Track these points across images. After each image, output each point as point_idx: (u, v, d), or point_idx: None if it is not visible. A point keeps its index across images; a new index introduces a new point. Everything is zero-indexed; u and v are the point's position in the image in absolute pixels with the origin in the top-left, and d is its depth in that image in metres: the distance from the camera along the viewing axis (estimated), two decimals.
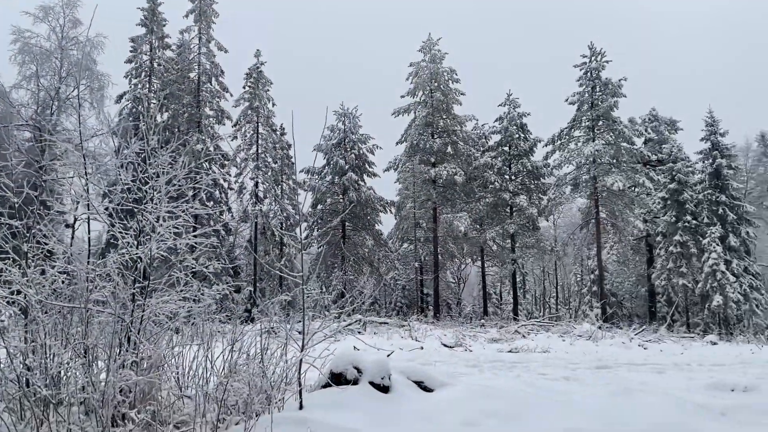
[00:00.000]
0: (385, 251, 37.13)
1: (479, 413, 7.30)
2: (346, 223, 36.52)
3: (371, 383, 7.70)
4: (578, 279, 43.39)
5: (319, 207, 36.51)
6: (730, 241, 30.55)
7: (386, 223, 40.32)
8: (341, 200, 35.80)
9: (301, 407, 7.05)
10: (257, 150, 32.08)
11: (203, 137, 29.84)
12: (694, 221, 31.07)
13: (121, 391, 5.84)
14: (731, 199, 31.67)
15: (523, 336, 21.19)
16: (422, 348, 17.05)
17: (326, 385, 7.77)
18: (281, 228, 31.41)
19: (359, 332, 21.38)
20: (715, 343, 21.10)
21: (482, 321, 28.67)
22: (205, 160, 30.31)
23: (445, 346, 17.69)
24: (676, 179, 31.41)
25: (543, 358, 13.88)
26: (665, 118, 35.86)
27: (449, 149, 33.84)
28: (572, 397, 8.30)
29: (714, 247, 29.29)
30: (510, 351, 16.74)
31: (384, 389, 7.73)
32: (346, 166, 35.69)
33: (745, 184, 40.37)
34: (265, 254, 30.90)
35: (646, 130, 35.59)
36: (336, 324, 21.41)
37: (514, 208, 33.83)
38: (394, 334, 20.96)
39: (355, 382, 7.70)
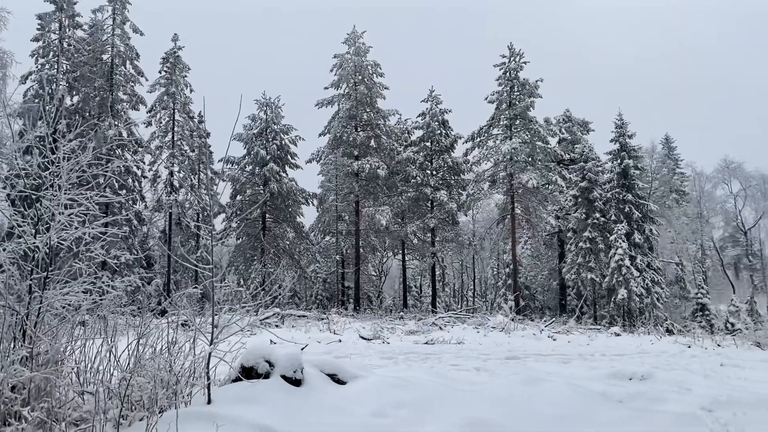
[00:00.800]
0: (307, 244, 36.87)
1: (389, 404, 7.39)
2: (267, 215, 35.97)
3: (283, 377, 7.62)
4: (495, 273, 44.75)
5: (239, 198, 35.76)
6: (635, 238, 32.28)
7: (308, 215, 40.07)
8: (262, 191, 35.22)
9: (209, 402, 6.88)
10: (173, 137, 31.01)
11: (115, 122, 28.53)
12: (602, 218, 32.63)
13: (13, 389, 5.52)
14: (637, 198, 33.48)
15: (440, 328, 21.61)
16: (340, 341, 17.06)
17: (237, 380, 7.62)
18: (197, 219, 30.53)
19: (276, 326, 21.16)
20: (618, 335, 22.27)
21: (401, 313, 29.03)
22: (117, 146, 29.02)
23: (363, 338, 17.78)
24: (587, 178, 32.87)
25: (456, 350, 14.21)
26: (578, 119, 37.46)
27: (372, 143, 33.99)
28: (481, 387, 8.53)
29: (620, 244, 30.86)
30: (426, 343, 17.02)
31: (296, 382, 7.67)
32: (268, 157, 35.12)
33: (650, 185, 42.87)
34: (181, 245, 29.96)
35: (560, 131, 37.05)
36: (252, 317, 21.09)
37: (434, 203, 34.40)
38: (313, 328, 20.87)
39: (267, 375, 7.59)
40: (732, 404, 7.77)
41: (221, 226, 36.28)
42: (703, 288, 35.90)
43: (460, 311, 29.21)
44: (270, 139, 35.91)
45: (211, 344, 6.83)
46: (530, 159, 31.35)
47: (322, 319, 23.65)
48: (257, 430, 6.25)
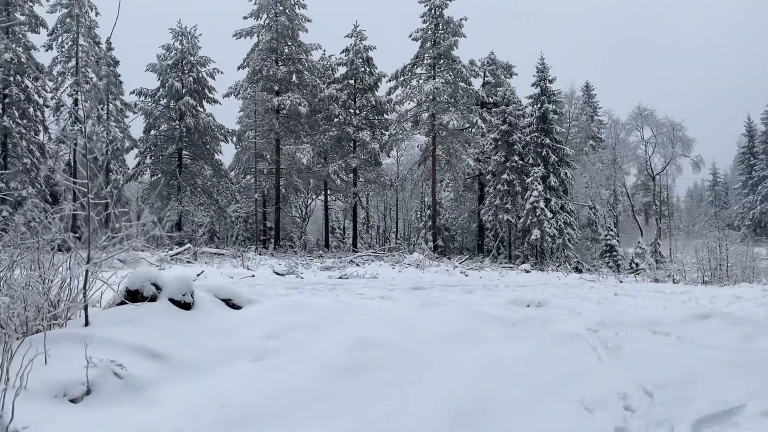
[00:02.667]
0: (226, 182, 35.86)
1: (283, 326, 7.25)
2: (183, 152, 34.60)
3: (171, 300, 7.31)
4: (418, 215, 45.22)
5: (153, 133, 34.13)
6: (550, 181, 33.22)
7: (227, 153, 38.91)
8: (177, 126, 33.70)
9: (86, 324, 6.51)
10: (77, 63, 28.91)
11: (12, 45, 26.22)
12: (521, 161, 33.32)
13: None
14: (554, 142, 34.29)
15: (357, 265, 21.67)
16: (253, 276, 16.76)
17: (121, 304, 7.26)
18: (107, 153, 28.93)
19: (188, 262, 20.59)
20: (528, 271, 23.05)
21: (320, 253, 28.94)
22: (15, 72, 26.80)
23: (276, 273, 17.54)
24: (508, 121, 33.31)
25: (366, 282, 14.24)
26: (502, 63, 37.61)
27: (294, 78, 32.92)
28: (379, 312, 8.54)
29: (536, 186, 31.70)
30: (340, 278, 16.99)
31: (185, 306, 7.38)
32: (183, 90, 33.51)
33: (568, 129, 44.00)
34: (89, 180, 28.36)
35: (484, 73, 37.14)
36: (163, 253, 20.42)
37: (357, 143, 34.03)
38: (227, 264, 20.44)
39: (153, 299, 7.26)
40: (615, 325, 8.11)
41: (134, 161, 34.69)
42: (612, 230, 37.67)
43: (379, 250, 29.41)
44: (186, 71, 34.19)
45: (87, 262, 6.41)
46: (453, 100, 31.33)
47: (238, 257, 23.20)
48: (138, 352, 5.97)
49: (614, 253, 35.35)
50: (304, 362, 6.07)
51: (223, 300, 8.01)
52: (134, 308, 6.96)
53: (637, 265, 34.20)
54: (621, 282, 20.44)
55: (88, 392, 5.13)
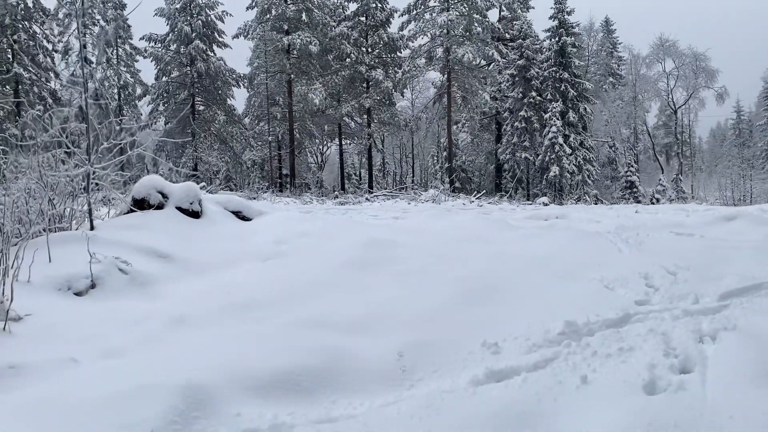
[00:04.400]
0: (239, 128, 35.51)
1: (293, 233, 7.09)
2: (196, 98, 34.19)
3: (178, 208, 7.17)
4: (434, 160, 44.72)
5: (164, 79, 33.66)
6: (569, 117, 32.39)
7: (240, 99, 38.48)
8: (189, 72, 33.21)
9: (92, 228, 6.40)
10: (83, 4, 28.35)
11: None
12: (538, 97, 32.47)
13: None
14: (573, 76, 33.29)
15: (372, 202, 21.49)
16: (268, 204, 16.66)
17: (129, 213, 7.14)
18: (119, 98, 28.65)
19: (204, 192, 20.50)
20: (546, 204, 22.71)
21: (336, 194, 28.77)
22: (22, 18, 26.45)
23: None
24: (525, 56, 32.31)
25: (380, 207, 14.06)
26: None
27: (304, 16, 32.03)
28: (390, 225, 8.35)
29: (554, 122, 30.95)
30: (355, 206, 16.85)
31: (194, 214, 7.25)
32: (193, 34, 32.85)
33: (587, 62, 42.77)
34: (100, 125, 28.24)
35: (500, 7, 35.90)
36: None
37: (370, 82, 33.30)
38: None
39: (161, 207, 7.12)
40: (636, 228, 7.87)
41: (147, 108, 34.43)
42: (633, 166, 36.98)
43: (394, 190, 29.17)
44: (195, 15, 33.44)
45: (89, 163, 6.25)
46: (467, 33, 30.36)
47: (254, 197, 23.09)
48: (144, 252, 5.85)
49: (635, 190, 34.77)
50: (315, 258, 5.93)
51: (233, 212, 7.87)
52: (141, 215, 6.84)
53: (658, 200, 33.65)
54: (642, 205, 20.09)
55: (92, 286, 5.05)
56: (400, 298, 4.53)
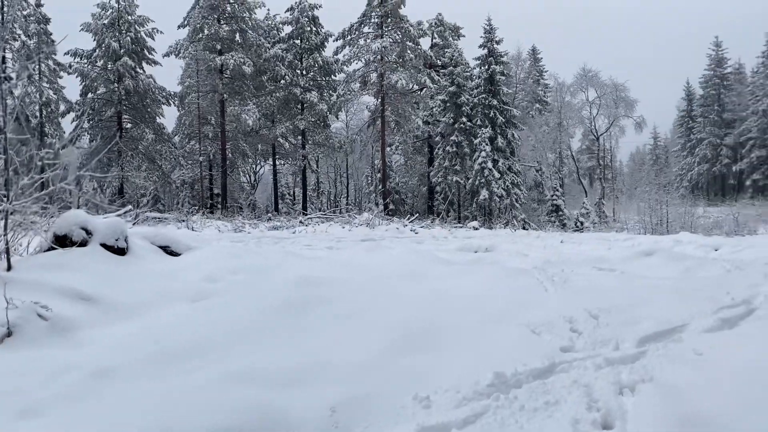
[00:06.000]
0: (169, 147, 34.66)
1: (225, 270, 6.97)
2: (123, 115, 33.18)
3: (103, 245, 6.91)
4: (368, 180, 45.04)
5: (90, 96, 32.55)
6: (498, 142, 33.40)
7: (170, 117, 37.57)
8: (116, 89, 32.22)
9: (9, 269, 6.07)
10: (2, 18, 27.08)
11: None
12: (469, 123, 33.35)
13: None
14: (502, 103, 34.42)
15: (306, 225, 21.36)
16: (198, 235, 16.26)
17: (49, 250, 6.82)
18: (41, 116, 27.41)
19: (131, 226, 19.82)
20: (476, 228, 23.22)
21: (270, 216, 28.43)
22: None
23: (223, 233, 17.10)
24: (456, 83, 33.19)
25: (314, 236, 14.01)
26: (450, 24, 37.30)
27: (237, 37, 31.80)
28: (325, 257, 8.34)
29: (484, 147, 31.83)
30: (291, 234, 16.69)
31: (119, 251, 7.00)
32: (121, 51, 31.98)
33: (514, 91, 44.27)
34: (21, 144, 26.92)
35: (432, 35, 36.80)
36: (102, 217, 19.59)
37: (305, 104, 33.31)
38: (169, 226, 19.79)
39: (83, 243, 6.85)
40: (561, 263, 8.15)
41: (71, 126, 33.12)
42: (558, 191, 38.43)
43: (328, 212, 29.14)
44: (123, 31, 32.58)
45: (9, 202, 5.95)
46: (401, 60, 30.93)
47: (183, 220, 22.50)
48: (66, 294, 5.59)
49: (560, 213, 36.12)
50: (246, 300, 5.83)
51: (161, 247, 7.66)
52: (63, 253, 6.55)
53: (581, 223, 35.05)
54: (566, 233, 20.85)
55: (9, 334, 4.78)
56: (335, 347, 4.52)
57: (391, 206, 34.92)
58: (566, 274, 7.12)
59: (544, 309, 5.28)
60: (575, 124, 51.73)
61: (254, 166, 44.06)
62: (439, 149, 34.45)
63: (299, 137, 34.48)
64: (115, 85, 32.18)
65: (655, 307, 5.31)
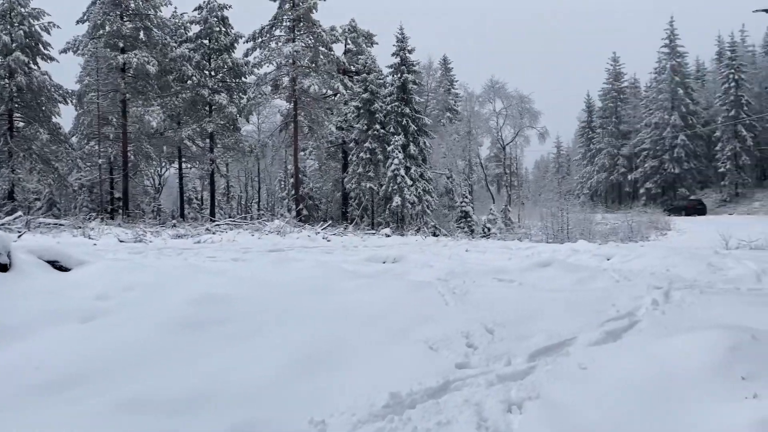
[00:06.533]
0: (66, 148, 32.73)
1: (119, 286, 6.64)
2: (15, 113, 31.03)
3: None
4: (281, 185, 44.49)
5: None
6: (410, 150, 33.93)
7: (67, 116, 35.52)
8: (7, 85, 30.08)
9: None
10: None
11: None
12: (382, 130, 33.68)
13: None
14: (414, 112, 35.02)
15: (213, 233, 20.79)
16: (95, 244, 15.46)
17: None
18: None
19: (20, 233, 18.58)
20: (389, 235, 23.48)
21: (174, 222, 27.43)
22: None
23: (122, 242, 16.33)
24: (369, 90, 33.44)
25: (220, 246, 13.66)
26: (363, 31, 37.58)
27: (141, 35, 30.51)
28: (230, 271, 8.15)
29: (397, 154, 32.23)
30: (195, 243, 16.18)
31: (1, 268, 6.54)
32: (13, 45, 29.90)
33: (426, 100, 45.15)
34: None
35: (346, 41, 36.91)
36: None
37: (213, 107, 32.45)
38: (66, 234, 18.72)
39: None
40: (464, 275, 8.37)
41: None
42: (467, 198, 39.46)
43: (237, 218, 28.50)
44: (16, 24, 30.50)
45: None
46: (313, 65, 30.78)
47: (80, 227, 21.31)
48: None
49: (469, 219, 37.10)
50: (142, 320, 5.58)
51: (49, 262, 7.20)
52: None
53: (488, 229, 36.21)
54: (473, 241, 21.42)
55: None
56: (234, 369, 4.41)
57: (305, 212, 34.67)
58: (467, 285, 7.32)
59: (444, 324, 5.39)
60: (484, 133, 53.41)
61: (159, 169, 42.42)
62: (353, 155, 34.57)
63: (207, 140, 33.53)
64: (6, 81, 30.05)
65: (547, 320, 5.54)
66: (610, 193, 68.77)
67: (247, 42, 31.82)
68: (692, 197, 52.27)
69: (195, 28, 33.39)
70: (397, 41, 35.51)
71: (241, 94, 32.61)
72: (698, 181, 58.13)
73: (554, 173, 77.68)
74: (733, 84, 51.79)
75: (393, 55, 35.65)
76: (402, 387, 3.91)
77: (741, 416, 3.20)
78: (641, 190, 59.25)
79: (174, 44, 31.64)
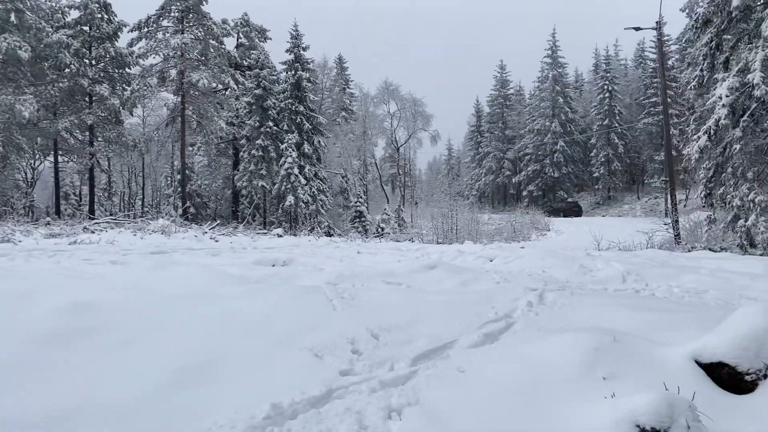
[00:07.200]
0: None
1: None
2: None
3: None
4: (168, 181, 42.65)
5: None
6: (304, 149, 33.69)
7: None
8: None
9: None
10: None
11: None
12: (275, 127, 33.19)
13: None
14: (308, 110, 34.79)
15: (92, 232, 19.56)
16: None
17: None
18: None
19: None
20: (281, 236, 23.15)
21: (48, 220, 25.49)
22: None
23: None
24: (262, 86, 32.83)
25: (98, 248, 12.88)
26: (257, 25, 36.80)
27: (13, 18, 28.04)
28: (106, 275, 7.70)
29: (290, 153, 31.88)
30: (70, 244, 15.14)
31: None
32: None
33: (321, 99, 45.04)
34: None
35: (238, 35, 36.00)
36: None
37: (94, 97, 30.48)
38: None
39: None
40: (353, 278, 8.44)
41: None
42: (361, 198, 39.78)
43: (119, 216, 27.00)
44: None
45: None
46: (203, 58, 29.73)
47: None
48: None
49: (363, 219, 37.43)
50: (5, 331, 5.15)
51: None
52: None
53: (382, 229, 36.73)
54: (365, 241, 21.61)
55: None
56: (105, 383, 4.17)
57: (192, 210, 33.46)
58: (356, 289, 7.37)
59: (330, 330, 5.39)
60: (378, 133, 54.12)
61: (32, 162, 39.26)
62: (244, 152, 33.79)
63: (87, 133, 31.47)
64: None
65: (431, 323, 5.69)
66: (497, 194, 71.93)
67: (132, 31, 30.14)
68: (570, 199, 55.83)
69: (74, 14, 31.21)
70: (292, 38, 35.15)
71: (124, 85, 30.83)
72: (575, 184, 62.16)
73: (445, 175, 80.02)
74: (607, 95, 55.81)
75: (287, 51, 35.25)
76: (284, 397, 3.87)
77: (602, 415, 3.40)
78: (524, 192, 62.42)
79: (50, 29, 29.38)
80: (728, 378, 3.89)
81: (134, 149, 32.93)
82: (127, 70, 31.09)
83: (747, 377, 3.83)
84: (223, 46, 31.42)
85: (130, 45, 30.43)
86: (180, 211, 29.18)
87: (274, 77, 34.97)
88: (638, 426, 3.17)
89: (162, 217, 23.97)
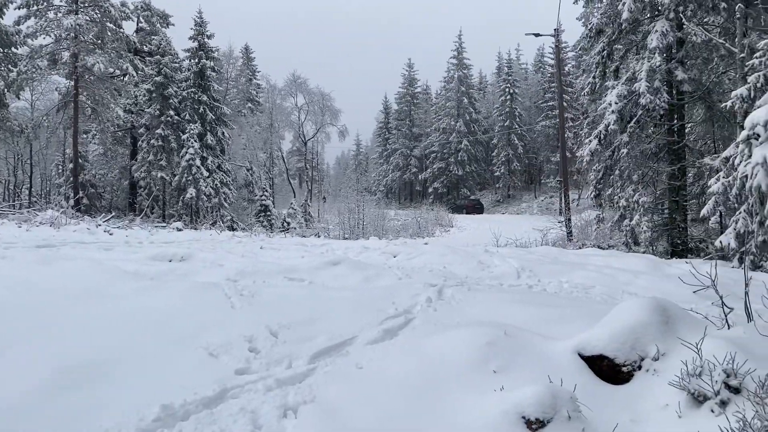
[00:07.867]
0: None
1: None
2: None
3: None
4: (59, 170, 40.03)
5: None
6: (207, 140, 32.66)
7: None
8: None
9: None
10: None
11: None
12: (177, 117, 31.98)
13: None
14: (212, 100, 33.76)
15: None
16: None
17: None
18: None
19: None
20: (180, 229, 22.33)
21: None
22: None
23: None
24: (163, 73, 31.53)
25: None
26: (158, 10, 35.20)
27: None
28: None
29: (192, 143, 30.80)
30: None
31: None
32: None
33: (226, 89, 43.87)
34: None
35: (138, 18, 34.32)
36: None
37: None
38: None
39: None
40: (254, 274, 8.31)
41: None
42: (267, 191, 39.14)
43: (4, 206, 25.08)
44: None
45: None
46: (100, 41, 28.08)
47: None
48: None
49: (269, 213, 36.85)
50: None
51: None
52: None
53: (288, 224, 36.33)
54: (270, 237, 21.27)
55: None
56: None
57: (85, 201, 31.63)
58: (257, 286, 7.27)
59: (228, 328, 5.30)
60: (286, 126, 53.40)
61: None
62: (143, 142, 32.31)
63: None
64: None
65: (332, 320, 5.71)
66: (404, 190, 73.08)
67: (19, 9, 27.87)
68: (472, 197, 57.69)
69: None
70: (196, 25, 34.00)
71: (10, 66, 28.54)
72: (478, 182, 64.27)
73: (354, 170, 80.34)
74: (508, 97, 58.05)
75: (191, 39, 34.05)
76: (176, 398, 3.77)
77: (491, 408, 3.56)
78: (430, 189, 63.83)
79: None
80: (607, 370, 4.18)
81: (21, 135, 30.60)
82: (13, 49, 28.79)
83: (624, 368, 4.13)
84: (121, 30, 29.82)
85: (18, 23, 28.19)
86: (72, 201, 27.49)
87: (177, 65, 33.68)
88: (524, 417, 3.35)
89: (51, 208, 22.49)
